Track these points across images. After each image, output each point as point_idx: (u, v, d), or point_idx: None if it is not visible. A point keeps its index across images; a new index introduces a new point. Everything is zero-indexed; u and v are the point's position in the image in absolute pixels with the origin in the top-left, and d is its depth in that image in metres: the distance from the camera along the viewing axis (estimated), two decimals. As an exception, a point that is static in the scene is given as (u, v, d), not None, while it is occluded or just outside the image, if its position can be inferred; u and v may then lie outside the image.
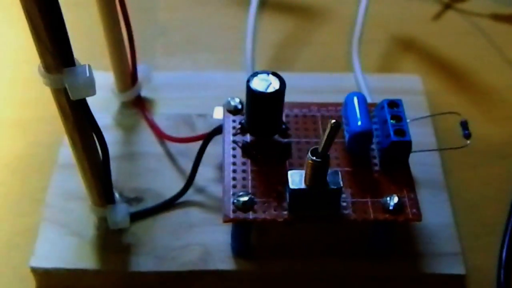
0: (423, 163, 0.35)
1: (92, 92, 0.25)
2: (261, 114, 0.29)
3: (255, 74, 0.29)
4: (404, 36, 0.45)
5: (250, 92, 0.29)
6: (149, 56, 0.43)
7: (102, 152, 0.29)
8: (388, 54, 0.44)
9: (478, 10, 0.46)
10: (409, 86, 0.39)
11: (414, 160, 0.31)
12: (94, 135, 0.28)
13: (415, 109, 0.36)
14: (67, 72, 0.24)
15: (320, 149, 0.26)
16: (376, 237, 0.30)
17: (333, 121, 0.25)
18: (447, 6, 0.47)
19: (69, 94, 0.24)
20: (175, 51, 0.43)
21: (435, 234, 0.32)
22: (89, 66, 0.24)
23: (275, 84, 0.29)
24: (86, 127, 0.27)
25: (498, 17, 0.46)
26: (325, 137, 0.26)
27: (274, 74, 0.29)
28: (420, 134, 0.35)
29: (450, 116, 0.38)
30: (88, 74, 0.24)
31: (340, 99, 0.32)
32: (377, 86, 0.38)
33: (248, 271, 0.31)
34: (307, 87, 0.38)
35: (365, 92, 0.37)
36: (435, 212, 0.33)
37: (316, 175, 0.27)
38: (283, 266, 0.31)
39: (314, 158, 0.27)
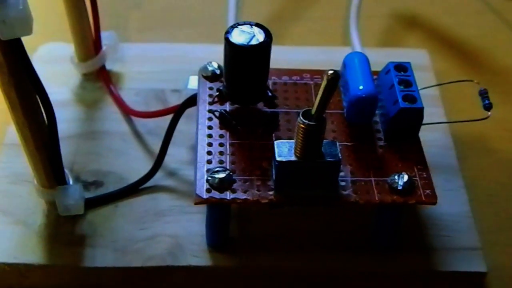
0: (433, 145, 0.30)
1: (28, 30, 0.20)
2: (243, 74, 0.24)
3: (235, 25, 0.24)
4: (408, 13, 0.40)
5: (230, 46, 0.24)
6: (121, 30, 0.38)
7: (47, 117, 0.23)
8: (390, 31, 0.39)
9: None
10: (415, 61, 0.33)
11: (423, 141, 0.26)
12: (37, 97, 0.23)
13: (422, 85, 0.31)
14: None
15: (314, 111, 0.21)
16: (381, 226, 0.25)
17: (330, 71, 0.20)
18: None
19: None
20: (151, 25, 0.39)
21: (451, 225, 0.27)
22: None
23: (259, 37, 0.24)
24: (26, 84, 0.22)
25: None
26: (320, 93, 0.21)
27: (259, 25, 0.24)
28: (428, 113, 0.30)
29: (462, 96, 0.33)
30: (21, 6, 0.19)
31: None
32: (379, 61, 0.33)
33: (225, 267, 0.26)
34: (299, 61, 0.33)
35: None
36: (450, 200, 0.28)
37: (309, 144, 0.22)
38: (267, 261, 0.26)
39: (307, 121, 0.21)
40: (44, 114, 0.24)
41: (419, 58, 0.34)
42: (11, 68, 0.21)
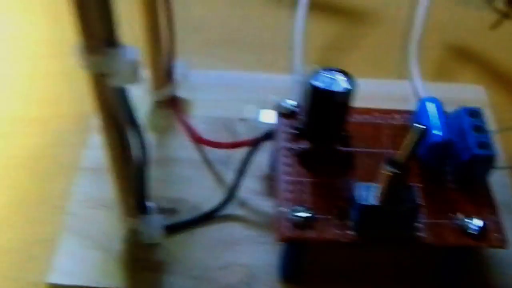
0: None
1: (138, 80, 0.21)
2: (326, 118, 0.26)
3: (317, 72, 0.25)
4: (460, 45, 0.41)
5: (315, 91, 0.25)
6: (180, 55, 0.39)
7: (142, 152, 0.25)
8: (443, 62, 0.40)
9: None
10: (472, 97, 0.35)
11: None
12: (133, 132, 0.24)
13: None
14: (110, 54, 0.20)
15: (401, 159, 0.22)
16: (448, 266, 0.26)
17: (419, 127, 0.21)
18: (505, 15, 0.43)
19: (111, 80, 0.21)
20: (210, 50, 0.40)
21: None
22: (136, 48, 0.21)
23: (343, 83, 0.25)
24: (124, 122, 0.23)
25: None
26: (408, 146, 0.22)
27: (341, 71, 0.25)
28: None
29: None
30: (135, 58, 0.20)
31: (393, 107, 0.29)
32: (436, 96, 0.34)
33: (298, 298, 0.27)
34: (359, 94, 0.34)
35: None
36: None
37: (393, 190, 0.23)
38: (339, 294, 0.27)
39: (393, 169, 0.23)
40: (138, 148, 0.25)
41: (476, 93, 0.35)
42: (114, 110, 0.22)
